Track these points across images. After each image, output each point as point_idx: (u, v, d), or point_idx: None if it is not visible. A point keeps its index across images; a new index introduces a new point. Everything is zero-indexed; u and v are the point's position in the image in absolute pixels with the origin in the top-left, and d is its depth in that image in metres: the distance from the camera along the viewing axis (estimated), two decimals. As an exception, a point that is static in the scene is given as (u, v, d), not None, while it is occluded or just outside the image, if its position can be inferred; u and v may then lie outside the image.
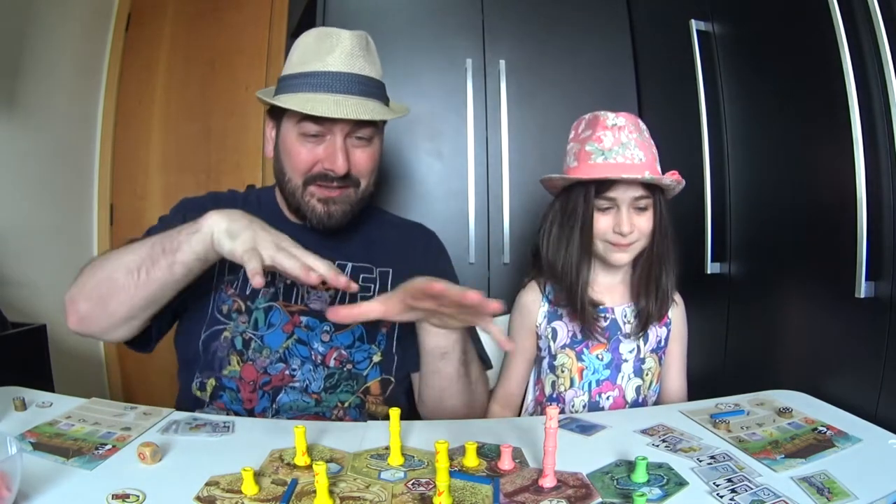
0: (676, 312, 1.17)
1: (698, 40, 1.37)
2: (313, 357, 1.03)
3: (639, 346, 1.12)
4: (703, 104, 1.36)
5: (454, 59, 1.74)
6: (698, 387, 1.20)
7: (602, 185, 1.03)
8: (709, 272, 1.35)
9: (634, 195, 1.03)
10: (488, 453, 0.79)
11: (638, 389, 1.12)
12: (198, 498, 0.66)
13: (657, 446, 0.80)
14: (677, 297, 1.17)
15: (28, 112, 2.05)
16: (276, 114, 1.03)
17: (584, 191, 1.05)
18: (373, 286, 1.08)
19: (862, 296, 0.93)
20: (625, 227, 1.03)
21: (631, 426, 0.87)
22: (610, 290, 1.13)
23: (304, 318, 1.04)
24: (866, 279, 0.93)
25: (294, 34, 2.25)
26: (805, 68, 1.11)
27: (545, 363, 1.15)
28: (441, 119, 1.74)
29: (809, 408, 0.91)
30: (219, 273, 1.04)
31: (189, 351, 1.04)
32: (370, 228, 1.14)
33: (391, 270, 1.09)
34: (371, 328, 1.06)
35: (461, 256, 1.71)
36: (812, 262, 1.10)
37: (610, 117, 1.04)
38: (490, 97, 1.75)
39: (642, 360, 1.12)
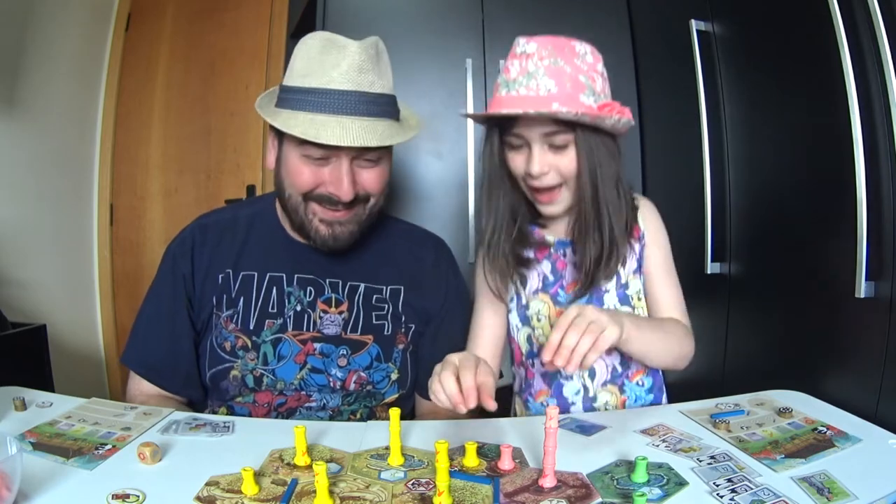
0: (646, 216, 1.03)
1: (698, 40, 1.37)
2: (332, 384, 1.01)
3: (618, 273, 1.00)
4: (703, 104, 1.36)
5: (454, 59, 1.74)
6: (698, 387, 1.20)
7: (508, 122, 0.91)
8: (709, 272, 1.35)
9: (543, 131, 0.89)
10: (488, 453, 0.78)
11: None
12: (198, 498, 0.66)
13: (657, 446, 0.80)
14: (642, 202, 1.03)
15: (28, 112, 2.05)
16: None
17: (493, 132, 0.96)
18: (386, 307, 1.05)
19: (862, 296, 0.93)
20: (532, 167, 0.91)
21: (631, 426, 0.87)
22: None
23: (317, 346, 1.01)
24: (866, 279, 0.93)
25: (294, 34, 2.25)
26: (805, 68, 1.10)
27: (516, 315, 1.04)
28: (441, 119, 1.74)
29: (809, 408, 0.91)
30: (216, 307, 1.02)
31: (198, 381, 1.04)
32: (379, 241, 1.09)
33: (402, 288, 1.07)
34: (387, 345, 1.04)
35: (461, 256, 1.71)
36: (812, 262, 1.10)
37: (520, 43, 0.90)
38: (490, 97, 1.75)
39: (625, 286, 1.00)
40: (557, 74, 0.87)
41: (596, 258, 0.95)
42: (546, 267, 1.03)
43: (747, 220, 1.31)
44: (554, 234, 1.03)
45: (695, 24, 1.38)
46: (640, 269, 1.02)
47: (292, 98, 0.93)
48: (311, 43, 0.94)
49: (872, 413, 0.89)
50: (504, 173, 0.97)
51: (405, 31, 1.75)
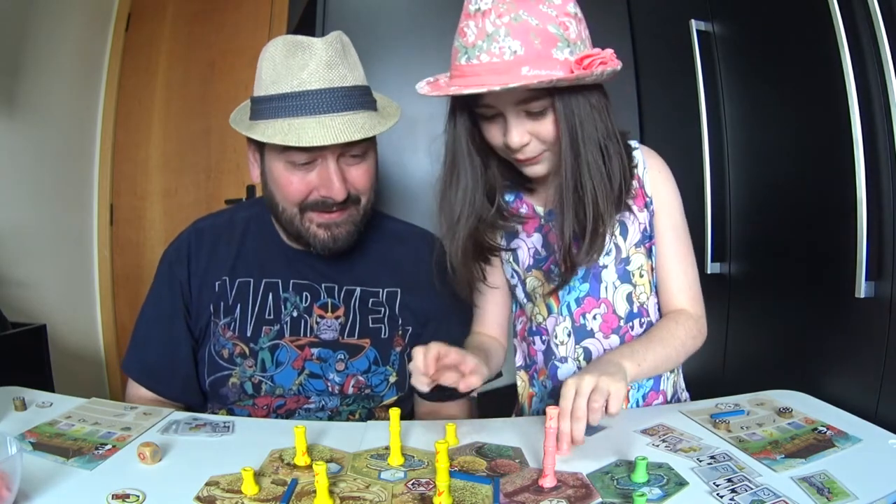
0: (653, 177, 0.92)
1: (698, 40, 1.37)
2: (330, 388, 1.01)
3: (617, 245, 0.91)
4: (703, 104, 1.35)
5: (454, 60, 1.74)
6: (698, 387, 1.20)
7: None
8: (709, 272, 1.35)
9: (517, 99, 0.79)
10: (488, 453, 0.78)
11: (629, 298, 0.93)
12: (198, 498, 0.66)
13: (657, 446, 0.80)
14: (648, 159, 0.93)
15: (28, 112, 2.05)
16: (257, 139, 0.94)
17: (461, 105, 0.86)
18: (383, 310, 1.05)
19: (862, 296, 0.93)
20: (511, 139, 0.81)
21: (631, 426, 0.87)
22: None
23: (315, 350, 1.01)
24: (866, 279, 0.93)
25: (293, 34, 2.25)
26: (805, 68, 1.11)
27: (521, 290, 0.98)
28: (441, 119, 1.73)
29: (809, 408, 0.91)
30: (214, 315, 1.02)
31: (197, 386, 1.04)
32: (374, 242, 1.08)
33: (399, 290, 1.06)
34: (384, 348, 1.04)
35: (461, 256, 1.71)
36: (812, 262, 1.10)
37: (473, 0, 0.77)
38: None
39: (626, 261, 0.91)
40: (522, 31, 0.75)
41: (574, 237, 0.84)
42: (537, 241, 0.95)
43: (747, 220, 1.31)
44: (543, 202, 0.95)
45: (695, 24, 1.38)
46: (644, 242, 0.93)
47: (266, 107, 0.92)
48: (274, 49, 0.92)
49: (872, 413, 0.89)
50: (474, 149, 0.88)
51: (405, 31, 1.75)
